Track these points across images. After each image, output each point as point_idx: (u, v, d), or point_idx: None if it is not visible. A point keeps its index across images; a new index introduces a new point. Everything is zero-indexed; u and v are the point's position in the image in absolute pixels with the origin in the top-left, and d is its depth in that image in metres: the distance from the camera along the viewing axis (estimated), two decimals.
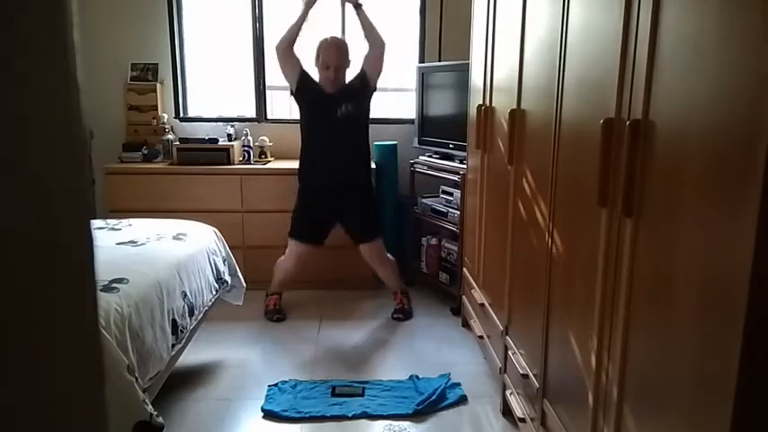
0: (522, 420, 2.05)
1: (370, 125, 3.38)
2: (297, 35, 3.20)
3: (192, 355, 2.71)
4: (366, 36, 3.21)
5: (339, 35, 3.73)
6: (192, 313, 2.33)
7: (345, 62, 3.21)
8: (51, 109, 0.44)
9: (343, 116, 3.18)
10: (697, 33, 1.01)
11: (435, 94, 3.79)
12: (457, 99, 3.51)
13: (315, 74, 3.25)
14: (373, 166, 3.61)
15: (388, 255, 3.41)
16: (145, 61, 3.98)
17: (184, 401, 2.43)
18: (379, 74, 3.25)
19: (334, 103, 3.19)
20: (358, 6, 3.20)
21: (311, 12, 3.20)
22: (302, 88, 3.23)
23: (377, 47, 3.21)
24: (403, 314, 3.32)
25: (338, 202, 3.27)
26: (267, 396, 2.46)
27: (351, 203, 3.28)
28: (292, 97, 3.32)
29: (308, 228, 3.30)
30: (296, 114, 4.05)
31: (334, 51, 3.16)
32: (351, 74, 3.30)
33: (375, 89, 3.28)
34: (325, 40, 3.20)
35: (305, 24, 3.20)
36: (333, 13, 3.53)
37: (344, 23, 3.96)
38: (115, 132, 3.95)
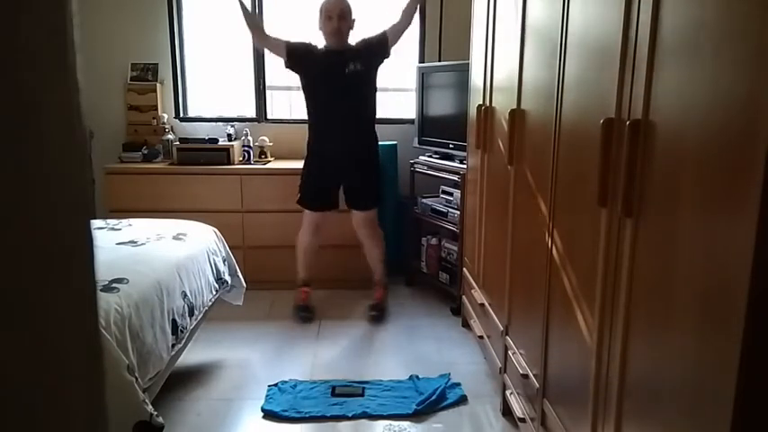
0: (522, 420, 2.05)
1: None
2: (254, 23, 3.28)
3: (191, 355, 2.71)
4: (405, 10, 3.22)
5: None
6: (192, 313, 2.33)
7: (348, 14, 3.17)
8: (51, 109, 0.44)
9: (351, 73, 3.14)
10: (697, 33, 1.01)
11: (435, 94, 3.79)
12: (457, 99, 3.51)
13: (317, 42, 3.24)
14: None
15: (380, 229, 3.39)
16: (145, 61, 3.98)
17: (184, 401, 2.43)
18: (396, 42, 3.23)
19: (340, 62, 3.14)
20: None
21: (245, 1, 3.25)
22: (296, 57, 3.21)
23: (407, 22, 3.23)
24: (380, 312, 3.30)
25: (342, 166, 3.25)
26: (267, 396, 2.46)
27: (354, 168, 3.25)
28: (288, 69, 3.28)
29: (316, 194, 3.29)
30: (296, 114, 4.07)
31: (335, 3, 3.14)
32: (358, 37, 3.26)
33: (389, 54, 3.24)
34: None
35: (249, 11, 3.27)
36: None
37: None
38: (115, 132, 3.95)
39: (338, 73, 3.14)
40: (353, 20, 3.19)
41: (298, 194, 3.33)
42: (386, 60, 3.26)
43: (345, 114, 3.20)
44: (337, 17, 3.10)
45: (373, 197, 3.32)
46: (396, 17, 3.25)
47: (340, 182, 3.29)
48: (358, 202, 3.31)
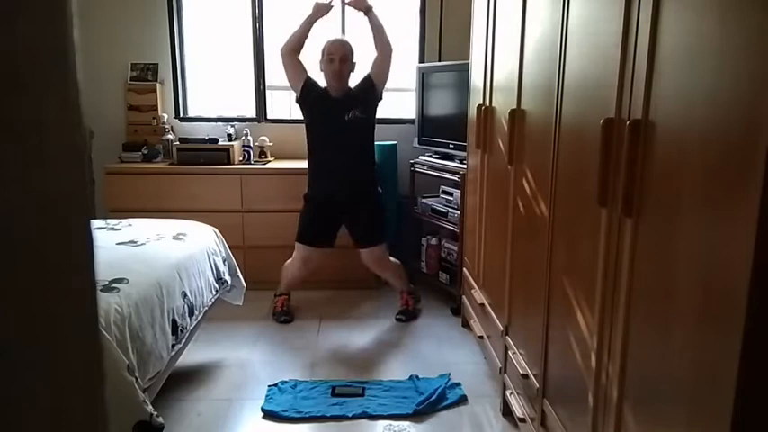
0: (522, 420, 2.05)
1: None
2: (301, 43, 3.20)
3: (191, 355, 2.71)
4: (375, 39, 3.20)
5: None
6: (192, 313, 2.33)
7: (350, 57, 3.18)
8: (51, 109, 0.44)
9: (350, 121, 3.17)
10: (697, 33, 1.01)
11: (435, 94, 3.79)
12: (457, 99, 3.51)
13: (320, 81, 3.24)
14: None
15: (392, 258, 3.39)
16: (145, 61, 3.99)
17: (184, 401, 2.43)
18: (385, 79, 3.23)
19: (341, 108, 3.17)
20: (368, 10, 3.19)
21: (318, 21, 3.20)
22: (307, 94, 3.22)
23: (384, 51, 3.20)
24: (406, 315, 3.31)
25: (345, 207, 3.26)
26: (267, 396, 2.46)
27: (357, 209, 3.27)
28: (297, 105, 3.30)
29: (315, 233, 3.29)
30: (296, 114, 4.06)
31: (338, 45, 3.16)
32: (356, 79, 3.27)
33: (381, 97, 3.26)
34: (330, 39, 3.22)
35: (310, 32, 3.19)
36: (333, 16, 3.51)
37: (344, 25, 3.96)
38: (115, 132, 3.96)
39: (339, 118, 3.16)
40: (354, 63, 3.20)
41: (296, 233, 3.31)
42: (380, 103, 3.27)
43: (346, 156, 3.22)
44: (339, 60, 3.12)
45: (376, 235, 3.30)
46: (371, 53, 3.24)
47: (340, 219, 3.30)
48: (361, 239, 3.31)
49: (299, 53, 3.21)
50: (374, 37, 3.19)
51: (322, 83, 3.24)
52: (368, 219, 3.29)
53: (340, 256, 3.58)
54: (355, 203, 3.26)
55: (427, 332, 3.17)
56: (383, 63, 3.21)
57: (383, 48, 3.19)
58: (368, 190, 3.29)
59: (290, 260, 3.36)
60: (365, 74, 3.25)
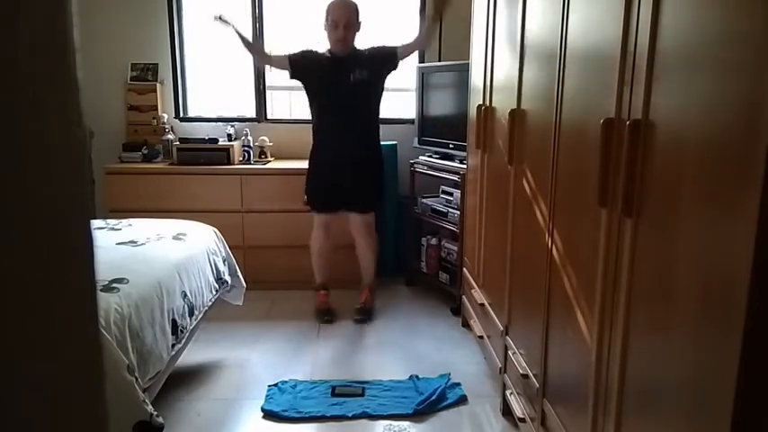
0: (522, 420, 2.05)
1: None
2: (253, 47, 3.33)
3: (191, 355, 2.71)
4: (420, 34, 3.32)
5: None
6: (192, 313, 2.33)
7: (355, 21, 3.13)
8: (51, 109, 0.44)
9: (356, 81, 3.13)
10: (697, 33, 1.01)
11: (435, 94, 3.79)
12: (457, 99, 3.51)
13: (318, 47, 3.24)
14: None
15: (375, 234, 3.38)
16: (145, 61, 3.98)
17: (184, 401, 2.43)
18: (405, 57, 3.25)
19: (345, 67, 3.13)
20: (442, 14, 3.31)
21: (238, 29, 3.25)
22: (299, 67, 3.20)
23: (420, 45, 3.33)
24: (366, 315, 3.29)
25: (344, 169, 3.24)
26: (267, 396, 2.46)
27: (354, 171, 3.24)
28: (294, 79, 3.27)
29: (321, 196, 3.29)
30: (296, 114, 4.07)
31: (342, 10, 3.10)
32: (378, 44, 3.25)
33: (396, 67, 3.23)
34: (333, 1, 3.14)
35: (245, 39, 3.27)
36: None
37: None
38: (115, 132, 3.95)
39: (343, 80, 3.13)
40: (360, 23, 3.16)
41: (304, 197, 3.32)
42: (393, 72, 3.26)
43: (349, 120, 3.20)
44: (343, 27, 3.08)
45: (370, 201, 3.31)
46: (412, 36, 3.28)
47: (342, 184, 3.28)
48: (355, 204, 3.29)
49: (263, 51, 3.35)
50: (423, 33, 3.33)
51: (319, 48, 3.22)
52: (367, 185, 3.28)
53: (341, 256, 3.58)
54: (357, 169, 3.23)
55: (427, 332, 3.17)
56: (413, 50, 3.29)
57: (422, 42, 3.35)
58: (370, 156, 3.27)
59: (312, 234, 3.35)
60: (393, 45, 3.21)
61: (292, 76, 3.25)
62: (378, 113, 3.29)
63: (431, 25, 3.33)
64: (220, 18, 3.23)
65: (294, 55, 3.22)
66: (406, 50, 3.23)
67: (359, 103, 3.19)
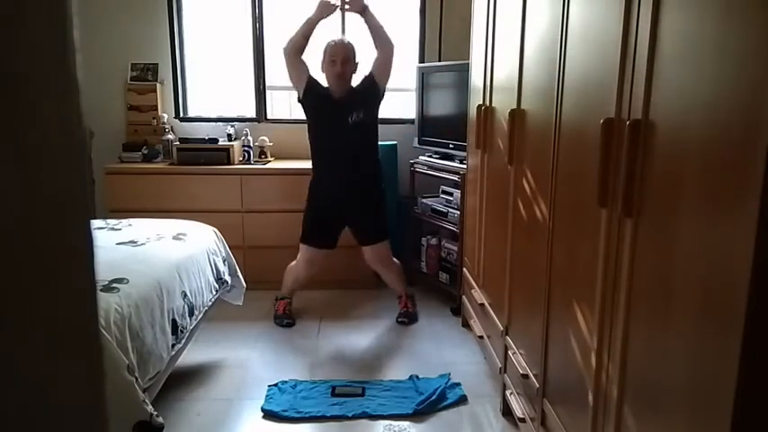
0: (522, 420, 2.05)
1: None
2: (305, 42, 3.16)
3: (191, 355, 2.71)
4: (374, 39, 3.16)
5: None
6: (192, 313, 2.33)
7: (352, 58, 3.15)
8: (51, 109, 0.44)
9: (354, 123, 3.14)
10: (697, 33, 1.01)
11: (435, 94, 3.79)
12: (457, 99, 3.51)
13: (323, 80, 3.20)
14: None
15: (394, 259, 3.39)
16: (145, 61, 3.98)
17: (184, 401, 2.43)
18: (387, 77, 3.20)
19: (344, 109, 3.14)
20: (364, 10, 3.15)
21: (322, 21, 3.16)
22: (310, 95, 3.19)
23: (385, 49, 3.16)
24: (408, 318, 3.30)
25: (348, 207, 3.25)
26: (267, 396, 2.46)
27: (360, 207, 3.25)
28: (299, 104, 3.27)
29: (319, 233, 3.27)
30: (296, 114, 4.07)
31: (339, 47, 3.13)
32: (357, 79, 3.24)
33: (383, 94, 3.23)
34: (331, 40, 3.19)
35: (313, 32, 3.16)
36: (333, 19, 3.47)
37: (344, 27, 3.94)
38: (115, 132, 3.96)
39: (343, 121, 3.13)
40: (357, 63, 3.18)
41: (300, 233, 3.30)
42: (382, 102, 3.24)
43: (348, 159, 3.20)
44: (341, 62, 3.08)
45: (380, 230, 3.29)
46: (373, 52, 3.21)
47: (344, 219, 3.28)
48: (365, 237, 3.29)
49: (302, 53, 3.18)
50: (373, 37, 3.16)
51: (325, 83, 3.20)
52: (372, 217, 3.28)
53: (341, 256, 3.58)
54: (359, 204, 3.25)
55: (427, 332, 3.17)
56: (385, 62, 3.18)
57: (384, 46, 3.16)
58: (371, 189, 3.28)
59: (293, 262, 3.35)
60: (366, 73, 3.22)
61: (300, 99, 3.23)
62: (376, 146, 3.29)
63: (370, 23, 3.14)
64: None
65: (313, 79, 3.18)
66: (378, 66, 3.18)
67: (358, 141, 3.20)
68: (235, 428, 2.30)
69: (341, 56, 3.09)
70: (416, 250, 3.80)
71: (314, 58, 3.23)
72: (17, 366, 0.43)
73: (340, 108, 3.14)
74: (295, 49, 3.16)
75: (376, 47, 3.18)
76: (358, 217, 3.28)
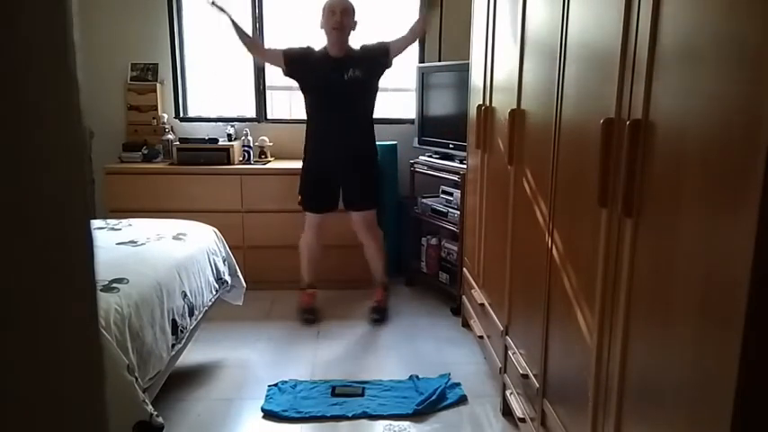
0: (522, 420, 2.05)
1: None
2: (250, 39, 3.30)
3: (191, 355, 2.71)
4: (413, 28, 3.26)
5: None
6: (192, 313, 2.33)
7: (351, 13, 3.16)
8: (51, 109, 0.44)
9: (349, 81, 3.14)
10: (697, 33, 1.01)
11: (435, 94, 3.79)
12: (457, 99, 3.51)
13: (315, 45, 3.23)
14: None
15: (379, 229, 3.39)
16: (145, 61, 3.98)
17: (184, 401, 2.43)
18: (400, 53, 3.25)
19: (340, 66, 3.14)
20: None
21: (232, 17, 3.22)
22: (294, 64, 3.21)
23: (410, 40, 3.27)
24: (380, 314, 3.29)
25: (340, 168, 3.24)
26: (267, 396, 2.46)
27: (353, 172, 3.25)
28: (289, 77, 3.28)
29: (319, 199, 3.30)
30: (296, 114, 4.07)
31: (339, 2, 3.14)
32: (369, 41, 3.25)
33: (390, 65, 3.25)
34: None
35: (240, 28, 3.24)
36: None
37: None
38: (115, 132, 3.95)
39: (337, 78, 3.13)
40: (356, 21, 3.18)
41: (299, 197, 3.33)
42: (387, 70, 3.26)
43: (344, 118, 3.20)
44: (340, 12, 3.10)
45: (370, 199, 3.31)
46: (401, 32, 3.26)
47: (339, 183, 3.29)
48: (355, 203, 3.30)
49: (261, 46, 3.32)
50: (414, 28, 3.27)
51: (315, 46, 3.22)
52: (363, 182, 3.28)
53: (341, 256, 3.58)
54: (352, 167, 3.24)
55: (427, 332, 3.17)
56: (407, 43, 3.26)
57: (413, 36, 3.28)
58: (365, 154, 3.28)
59: (303, 234, 3.36)
60: (385, 41, 3.23)
61: (286, 73, 3.25)
62: (372, 112, 3.29)
63: (428, 12, 3.31)
64: (214, 3, 3.21)
65: (289, 51, 3.22)
66: (398, 44, 3.23)
67: (353, 101, 3.20)
68: (235, 428, 2.30)
69: (340, 7, 3.11)
70: (416, 250, 3.80)
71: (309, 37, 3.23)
72: (17, 366, 0.43)
73: (335, 65, 3.15)
74: (253, 50, 3.35)
75: (407, 33, 3.26)
76: (349, 181, 3.26)
